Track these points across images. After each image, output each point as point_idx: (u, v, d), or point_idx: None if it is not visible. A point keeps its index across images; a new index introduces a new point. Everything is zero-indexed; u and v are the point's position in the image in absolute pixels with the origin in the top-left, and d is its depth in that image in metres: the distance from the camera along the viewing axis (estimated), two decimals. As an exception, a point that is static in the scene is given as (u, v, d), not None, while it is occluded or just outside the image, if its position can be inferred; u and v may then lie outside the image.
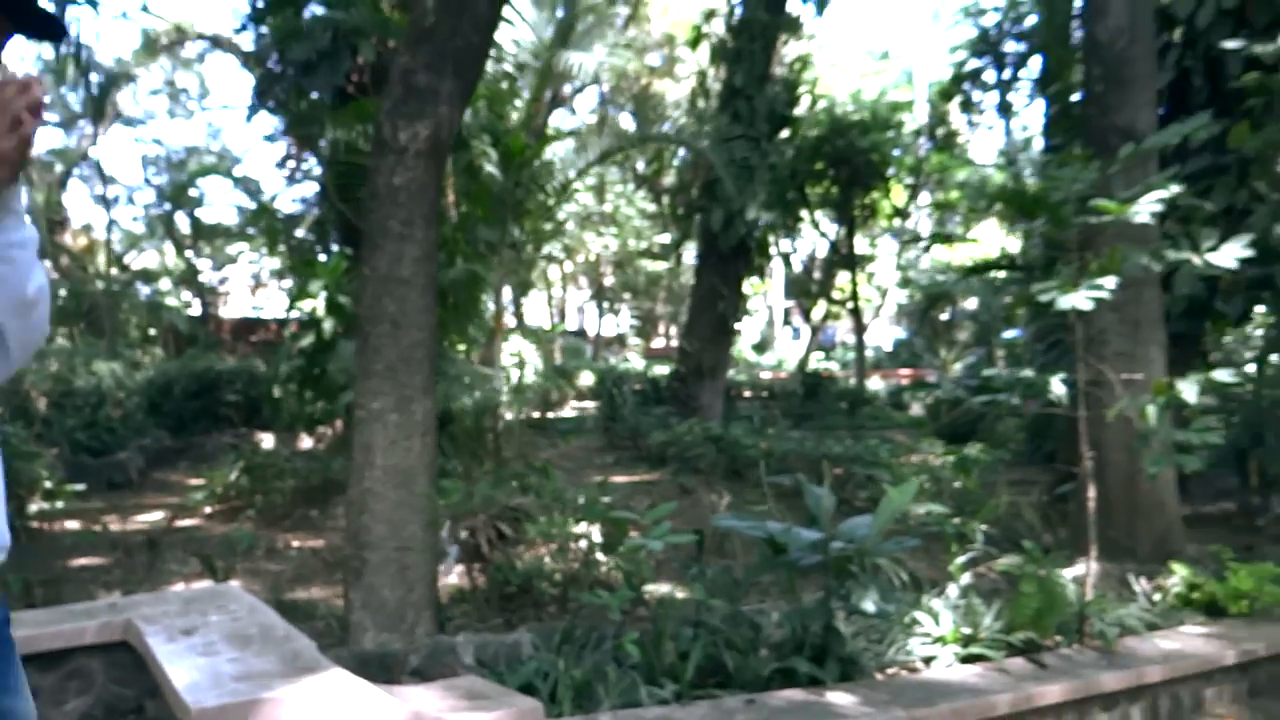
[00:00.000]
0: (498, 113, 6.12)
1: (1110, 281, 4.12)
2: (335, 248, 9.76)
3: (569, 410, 17.11)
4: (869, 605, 3.52)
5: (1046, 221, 4.56)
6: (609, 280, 30.81)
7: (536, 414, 13.58)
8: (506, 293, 7.39)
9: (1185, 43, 8.32)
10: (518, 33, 6.46)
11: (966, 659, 3.88)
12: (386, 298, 3.69)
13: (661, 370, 18.38)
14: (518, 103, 6.48)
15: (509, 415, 6.58)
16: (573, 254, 26.84)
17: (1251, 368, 9.04)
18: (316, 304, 8.30)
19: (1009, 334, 21.71)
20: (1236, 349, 11.90)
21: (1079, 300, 4.10)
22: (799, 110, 15.22)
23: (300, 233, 14.73)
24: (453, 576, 4.84)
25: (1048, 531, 6.50)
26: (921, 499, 4.58)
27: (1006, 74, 20.34)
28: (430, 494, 3.90)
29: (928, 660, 3.83)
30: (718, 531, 5.05)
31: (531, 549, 5.20)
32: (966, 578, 4.46)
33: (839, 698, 3.35)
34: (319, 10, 9.64)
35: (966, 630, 3.99)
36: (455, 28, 3.74)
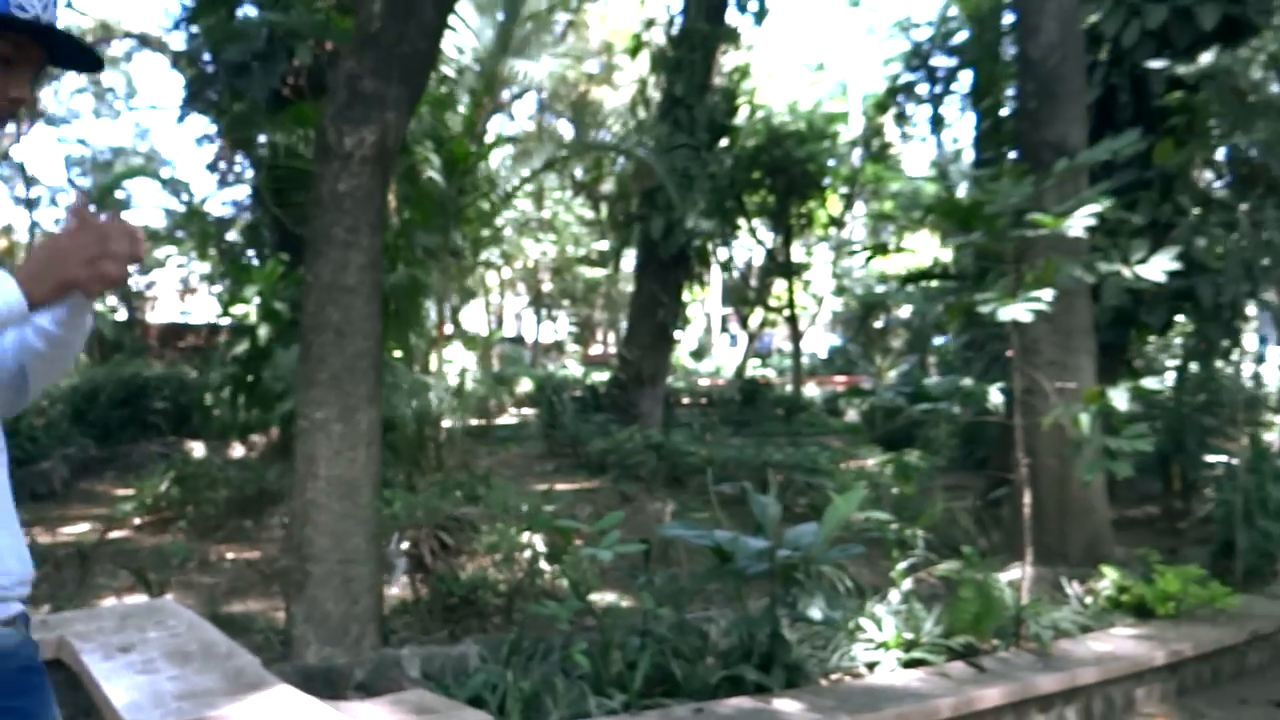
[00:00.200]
0: (440, 119, 6.08)
1: (1047, 294, 4.23)
2: (271, 253, 9.58)
3: (507, 418, 17.01)
4: (815, 612, 3.57)
5: (985, 234, 4.66)
6: (547, 287, 30.74)
7: (476, 422, 13.47)
8: (450, 300, 7.32)
9: (1112, 61, 8.58)
10: (461, 39, 6.42)
11: (909, 664, 3.95)
12: (331, 306, 3.64)
13: (600, 377, 18.38)
14: (460, 109, 6.44)
15: (450, 423, 6.52)
16: (511, 260, 26.71)
17: (1171, 375, 9.35)
18: (250, 310, 8.14)
19: (940, 341, 22.14)
20: (1157, 357, 12.26)
21: (1018, 312, 4.21)
22: (738, 120, 15.36)
23: (231, 237, 14.45)
24: (398, 588, 4.78)
25: (982, 536, 6.63)
26: (864, 506, 4.64)
27: (938, 88, 20.83)
28: (375, 505, 3.85)
29: (871, 666, 3.89)
30: (662, 539, 5.07)
31: (474, 559, 5.16)
32: (907, 583, 4.53)
33: (786, 705, 3.39)
34: (253, 11, 9.47)
35: (908, 635, 4.05)
36: (402, 33, 3.71)
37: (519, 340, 31.30)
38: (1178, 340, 11.18)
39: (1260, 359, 8.87)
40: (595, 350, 33.28)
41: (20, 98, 1.47)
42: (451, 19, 6.09)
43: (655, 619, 3.75)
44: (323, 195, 3.67)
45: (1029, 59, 6.36)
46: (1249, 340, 8.76)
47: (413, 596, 4.77)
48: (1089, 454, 4.45)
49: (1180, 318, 9.06)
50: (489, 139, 8.36)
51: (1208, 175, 9.15)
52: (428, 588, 4.80)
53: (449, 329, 15.26)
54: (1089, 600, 5.13)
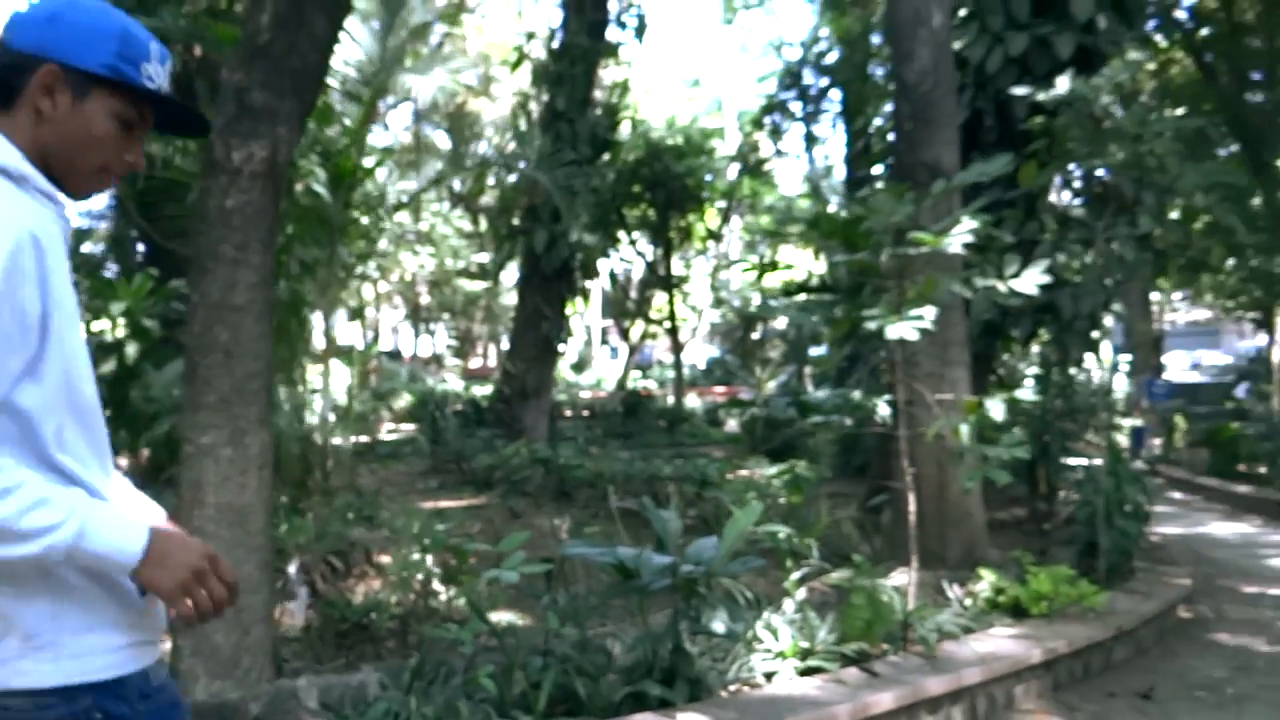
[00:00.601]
0: (325, 131, 5.93)
1: (930, 311, 4.41)
2: (137, 267, 9.16)
3: (387, 434, 16.65)
4: (718, 625, 3.62)
5: (868, 252, 4.83)
6: (425, 300, 30.26)
7: (357, 439, 13.14)
8: (328, 315, 7.13)
9: (977, 86, 9.01)
10: (347, 51, 6.28)
11: (805, 672, 4.04)
12: (219, 326, 3.50)
13: (482, 391, 18.20)
14: (347, 122, 6.30)
15: (335, 442, 6.35)
16: (387, 273, 26.20)
17: (1030, 384, 9.84)
18: (116, 326, 7.75)
19: (818, 352, 22.74)
20: (1016, 367, 12.85)
21: (904, 330, 4.37)
22: (619, 135, 15.49)
23: (88, 249, 13.74)
24: (301, 617, 4.63)
25: (865, 543, 6.84)
26: (759, 519, 4.73)
27: (810, 106, 21.46)
28: (266, 532, 3.72)
29: (769, 676, 3.97)
30: (560, 557, 5.05)
31: (366, 582, 5.04)
32: (801, 593, 4.64)
33: (689, 719, 3.42)
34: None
35: (804, 644, 4.15)
36: (292, 45, 3.61)
37: (396, 354, 30.69)
38: (1036, 350, 11.79)
39: (1114, 367, 9.42)
40: (475, 364, 32.93)
41: (134, 162, 1.56)
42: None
43: (558, 638, 3.74)
44: (210, 211, 3.54)
45: (905, 83, 6.62)
46: (1104, 350, 9.28)
47: (303, 624, 4.63)
48: (970, 462, 4.65)
49: (1043, 331, 9.57)
50: (379, 152, 8.19)
51: (1066, 195, 9.69)
52: (318, 614, 4.67)
53: (327, 344, 14.85)
54: (969, 602, 5.35)
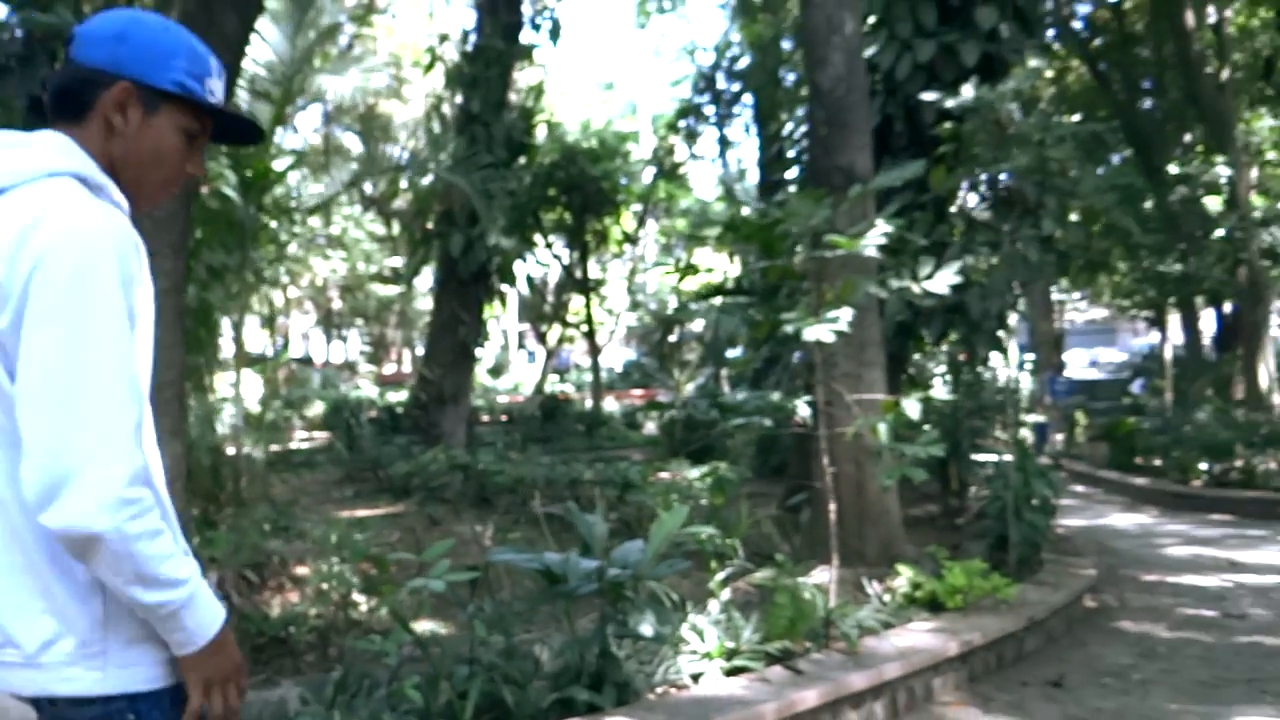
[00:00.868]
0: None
1: (847, 313, 4.49)
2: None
3: (299, 443, 16.28)
4: (647, 628, 3.62)
5: (785, 255, 4.90)
6: (337, 305, 29.70)
7: (269, 449, 12.83)
8: (238, 322, 6.94)
9: (887, 92, 9.21)
10: (258, 51, 6.13)
11: (731, 672, 4.07)
12: (127, 334, 3.37)
13: (397, 397, 17.93)
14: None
15: (248, 451, 6.19)
16: (298, 278, 25.64)
17: (938, 383, 10.12)
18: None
19: (734, 354, 22.95)
20: (926, 367, 13.17)
21: (822, 333, 4.44)
22: (535, 138, 15.42)
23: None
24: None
25: (785, 542, 6.92)
26: (685, 521, 4.75)
27: (723, 110, 21.70)
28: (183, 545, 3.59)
29: (696, 677, 3.99)
30: (485, 564, 5.00)
31: (283, 595, 4.91)
32: (726, 593, 4.68)
33: (619, 722, 3.42)
34: (7, 10, 8.68)
35: (729, 644, 4.18)
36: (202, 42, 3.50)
37: (308, 361, 30.04)
38: (944, 350, 12.11)
39: (1020, 366, 9.72)
40: (390, 370, 32.43)
41: (195, 172, 1.65)
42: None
43: (484, 646, 3.70)
44: (115, 215, 3.41)
45: (819, 88, 6.73)
46: (1010, 348, 9.58)
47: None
48: (888, 460, 4.75)
49: (954, 331, 9.83)
50: (290, 156, 8.01)
51: (973, 199, 9.98)
52: (234, 629, 4.53)
53: (237, 352, 14.47)
54: (887, 598, 5.46)
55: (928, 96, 8.13)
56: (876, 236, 4.68)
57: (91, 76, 1.50)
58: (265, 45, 6.09)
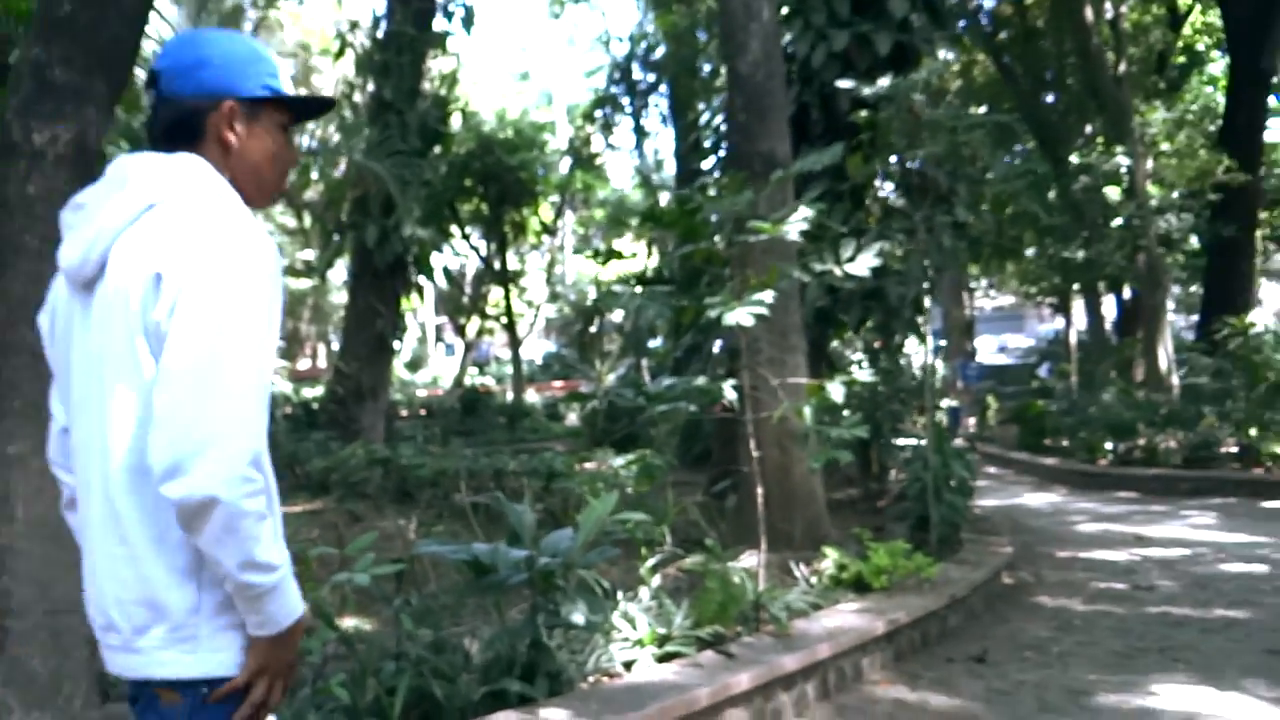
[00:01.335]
0: (136, 112, 5.49)
1: (768, 296, 4.49)
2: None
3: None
4: (578, 617, 3.57)
5: (708, 241, 4.89)
6: (247, 300, 28.92)
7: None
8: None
9: (803, 80, 9.29)
10: (162, 29, 5.86)
11: (663, 658, 4.05)
12: (24, 325, 3.17)
13: (313, 393, 17.52)
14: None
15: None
16: (205, 272, 24.91)
17: (857, 369, 10.24)
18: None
19: (654, 344, 23.00)
20: (843, 354, 13.36)
21: (743, 316, 4.44)
22: (450, 126, 15.18)
23: None
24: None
25: (712, 528, 6.94)
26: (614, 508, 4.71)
27: (639, 101, 21.69)
28: (85, 546, 3.42)
29: (628, 664, 3.95)
30: (410, 557, 4.88)
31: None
32: (656, 580, 4.66)
33: (553, 714, 3.37)
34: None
35: (661, 630, 4.16)
36: (99, 19, 3.32)
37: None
38: (858, 339, 12.29)
39: (936, 350, 9.89)
40: (304, 365, 31.70)
41: (294, 158, 1.80)
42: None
43: (411, 640, 3.60)
44: (9, 198, 3.21)
45: (738, 75, 6.74)
46: (927, 334, 9.75)
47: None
48: (815, 443, 4.78)
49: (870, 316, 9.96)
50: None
51: (888, 187, 10.13)
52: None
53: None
54: (814, 580, 5.50)
55: (843, 85, 8.21)
56: (799, 221, 4.70)
57: (194, 105, 1.63)
58: (166, 25, 5.83)
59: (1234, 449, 12.66)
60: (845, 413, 6.35)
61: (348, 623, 4.87)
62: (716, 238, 5.57)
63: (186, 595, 1.48)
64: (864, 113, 7.75)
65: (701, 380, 5.10)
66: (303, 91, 1.84)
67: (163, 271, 1.47)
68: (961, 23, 16.93)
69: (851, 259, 5.05)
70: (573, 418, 18.98)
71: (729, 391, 4.84)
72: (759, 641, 4.38)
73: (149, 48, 5.31)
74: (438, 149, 14.17)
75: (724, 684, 3.76)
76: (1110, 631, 5.72)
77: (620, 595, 4.46)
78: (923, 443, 7.45)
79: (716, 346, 13.64)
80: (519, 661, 3.55)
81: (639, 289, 10.75)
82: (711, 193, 4.87)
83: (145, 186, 1.55)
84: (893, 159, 8.22)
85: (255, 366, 1.46)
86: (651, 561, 4.75)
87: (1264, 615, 6.00)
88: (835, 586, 5.41)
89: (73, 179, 3.26)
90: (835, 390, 4.80)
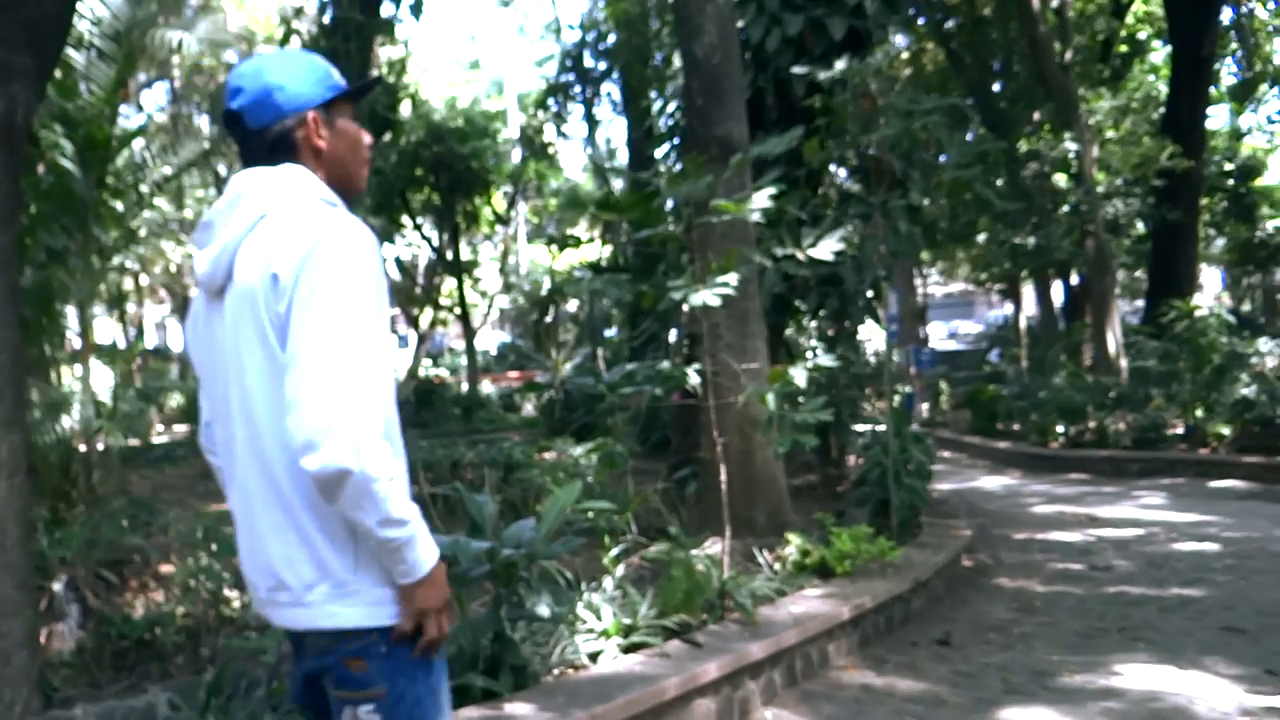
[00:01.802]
0: (71, 97, 5.27)
1: (733, 279, 4.43)
2: None
3: (158, 436, 15.44)
4: (544, 609, 3.49)
5: (675, 222, 4.81)
6: (194, 293, 28.29)
7: (125, 443, 12.07)
8: (84, 308, 6.41)
9: (758, 65, 9.23)
10: (94, 4, 5.61)
11: (629, 649, 3.98)
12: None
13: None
14: (96, 88, 5.62)
15: (101, 445, 5.73)
16: (149, 265, 24.32)
17: (811, 356, 10.24)
18: None
19: (609, 334, 22.92)
20: (797, 341, 13.37)
21: (708, 297, 4.37)
22: (400, 114, 14.94)
23: None
24: (72, 639, 4.12)
25: (673, 516, 6.89)
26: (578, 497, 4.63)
27: (590, 90, 21.50)
28: (23, 547, 3.27)
29: (594, 656, 3.88)
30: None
31: (147, 595, 4.57)
32: (620, 569, 4.58)
33: (518, 708, 3.28)
34: None
35: (626, 621, 4.09)
36: (27, -8, 3.15)
37: (164, 352, 28.56)
38: (813, 324, 12.30)
39: (892, 336, 9.93)
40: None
41: (370, 143, 1.99)
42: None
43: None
44: (-66, 179, 3.05)
45: (694, 58, 6.65)
46: (883, 319, 9.78)
47: (75, 646, 4.13)
48: (779, 429, 4.73)
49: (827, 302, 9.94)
50: (131, 125, 7.43)
51: (842, 173, 10.12)
52: (93, 633, 4.18)
53: (84, 341, 13.55)
54: (778, 567, 5.47)
55: (798, 70, 8.17)
56: (761, 203, 4.64)
57: (280, 128, 1.82)
58: (103, 5, 5.58)
59: (1180, 430, 12.89)
60: (800, 400, 6.31)
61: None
62: (670, 224, 5.50)
63: (345, 556, 1.69)
64: (819, 98, 7.71)
65: (665, 365, 5.02)
66: (353, 85, 1.95)
67: (278, 272, 1.67)
68: (913, 9, 17.00)
69: (814, 244, 5.00)
70: (529, 408, 18.83)
71: (693, 376, 4.77)
72: (725, 630, 4.32)
73: (82, 25, 5.11)
74: (387, 136, 13.93)
75: (691, 674, 3.70)
76: (1070, 612, 5.76)
77: (584, 586, 4.38)
78: (881, 428, 7.46)
79: (673, 335, 13.60)
80: (482, 655, 3.45)
81: (602, 275, 10.68)
82: (668, 177, 4.78)
83: (257, 199, 1.77)
84: (848, 147, 8.18)
85: (369, 346, 1.65)
86: (615, 551, 4.67)
87: (1218, 593, 6.08)
88: (799, 573, 5.38)
89: (1, 160, 3.10)
90: (798, 375, 4.75)
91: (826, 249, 4.93)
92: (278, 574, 1.71)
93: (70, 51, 5.36)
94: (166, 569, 4.78)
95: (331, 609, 1.69)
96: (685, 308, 4.85)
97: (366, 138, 1.94)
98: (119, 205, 7.07)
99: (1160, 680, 4.40)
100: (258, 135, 1.83)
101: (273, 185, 1.78)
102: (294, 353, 1.63)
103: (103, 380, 8.18)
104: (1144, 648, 4.95)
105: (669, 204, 8.15)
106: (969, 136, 19.27)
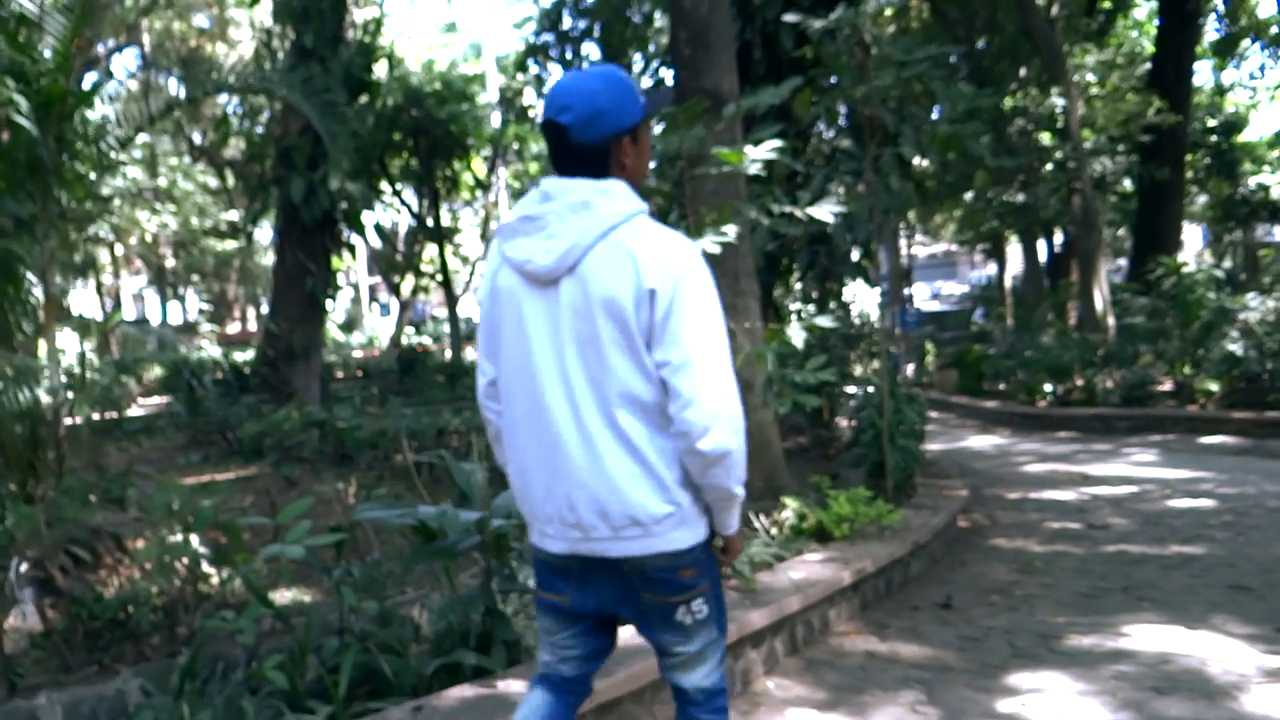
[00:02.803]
0: (25, 50, 4.97)
1: (732, 229, 4.24)
2: None
3: (137, 409, 15.17)
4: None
5: (669, 175, 4.61)
6: (171, 263, 27.85)
7: (100, 416, 11.82)
8: (48, 276, 6.14)
9: (745, 17, 8.98)
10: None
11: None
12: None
13: (244, 357, 16.92)
14: (51, 40, 5.30)
15: (71, 419, 5.51)
16: (125, 235, 23.89)
17: (807, 315, 10.07)
18: None
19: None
20: (783, 303, 13.21)
21: (707, 245, 4.18)
22: (377, 75, 14.57)
23: None
24: (30, 621, 3.93)
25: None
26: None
27: (570, 50, 21.09)
28: (-17, 525, 3.08)
29: (590, 628, 3.71)
30: (350, 523, 4.58)
31: (120, 573, 4.38)
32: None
33: (512, 686, 3.12)
34: None
35: (622, 590, 3.92)
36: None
37: (143, 323, 28.14)
38: (799, 285, 12.11)
39: (884, 296, 9.78)
40: (234, 329, 30.78)
41: None
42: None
43: (355, 614, 3.32)
44: None
45: (681, 7, 6.40)
46: (874, 279, 9.60)
47: (43, 628, 3.94)
48: (779, 389, 4.56)
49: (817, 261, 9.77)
50: (94, 79, 7.10)
51: (830, 132, 9.90)
52: (63, 615, 3.99)
53: (47, 309, 13.26)
54: (775, 531, 5.32)
55: (790, 18, 7.92)
56: (760, 154, 4.43)
57: (600, 147, 2.10)
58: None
59: (1169, 387, 12.83)
60: (791, 361, 6.14)
61: (286, 595, 4.57)
62: (653, 181, 5.28)
63: (686, 494, 2.11)
64: (810, 49, 7.48)
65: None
66: (652, 107, 2.32)
67: (655, 288, 2.00)
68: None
69: (812, 202, 4.81)
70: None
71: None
72: (725, 597, 4.16)
73: None
74: (364, 98, 13.60)
75: (692, 645, 3.54)
76: (1071, 572, 5.66)
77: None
78: (872, 389, 7.31)
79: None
80: (473, 631, 3.29)
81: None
82: (664, 126, 4.57)
83: (605, 211, 2.06)
84: (839, 100, 7.96)
85: (727, 350, 2.09)
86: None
87: (1219, 550, 5.99)
88: (796, 537, 5.24)
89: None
90: (796, 335, 4.58)
91: (827, 209, 4.73)
92: (633, 514, 2.10)
93: (24, 2, 5.07)
94: (142, 545, 4.59)
95: (674, 535, 2.13)
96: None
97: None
98: (82, 168, 6.76)
99: (1170, 641, 4.28)
100: (581, 149, 2.10)
101: (614, 199, 2.09)
102: (686, 359, 2.01)
103: (80, 351, 7.92)
104: (1150, 607, 4.84)
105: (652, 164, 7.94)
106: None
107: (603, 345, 2.04)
